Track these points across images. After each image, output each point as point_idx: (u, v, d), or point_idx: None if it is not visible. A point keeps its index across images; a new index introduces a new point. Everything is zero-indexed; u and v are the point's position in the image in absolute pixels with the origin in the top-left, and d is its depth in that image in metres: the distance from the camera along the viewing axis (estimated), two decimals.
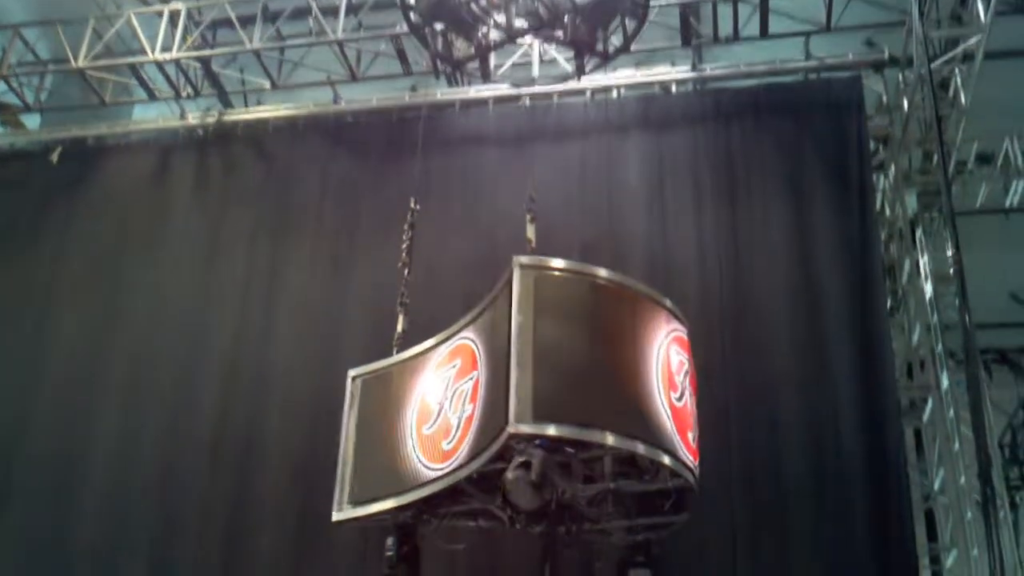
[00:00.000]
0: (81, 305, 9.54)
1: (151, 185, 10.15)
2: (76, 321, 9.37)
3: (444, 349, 5.81)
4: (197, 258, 9.47)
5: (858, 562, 7.72)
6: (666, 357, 5.41)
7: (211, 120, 10.51)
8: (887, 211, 10.27)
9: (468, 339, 5.51)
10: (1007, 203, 11.14)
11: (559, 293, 5.39)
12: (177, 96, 10.69)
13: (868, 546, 7.77)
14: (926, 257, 9.96)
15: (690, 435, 5.40)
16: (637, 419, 5.11)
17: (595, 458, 5.25)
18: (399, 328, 6.55)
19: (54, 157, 10.60)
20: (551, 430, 4.92)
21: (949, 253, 9.79)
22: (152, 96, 10.85)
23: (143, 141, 10.78)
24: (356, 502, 5.78)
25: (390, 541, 5.70)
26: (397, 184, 9.24)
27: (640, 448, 5.07)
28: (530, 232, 6.28)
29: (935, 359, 9.57)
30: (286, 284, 9.18)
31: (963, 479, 9.03)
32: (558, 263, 5.56)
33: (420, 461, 5.50)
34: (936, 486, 9.41)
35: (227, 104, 10.79)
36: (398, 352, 6.25)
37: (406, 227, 6.78)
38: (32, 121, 11.71)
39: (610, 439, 5.01)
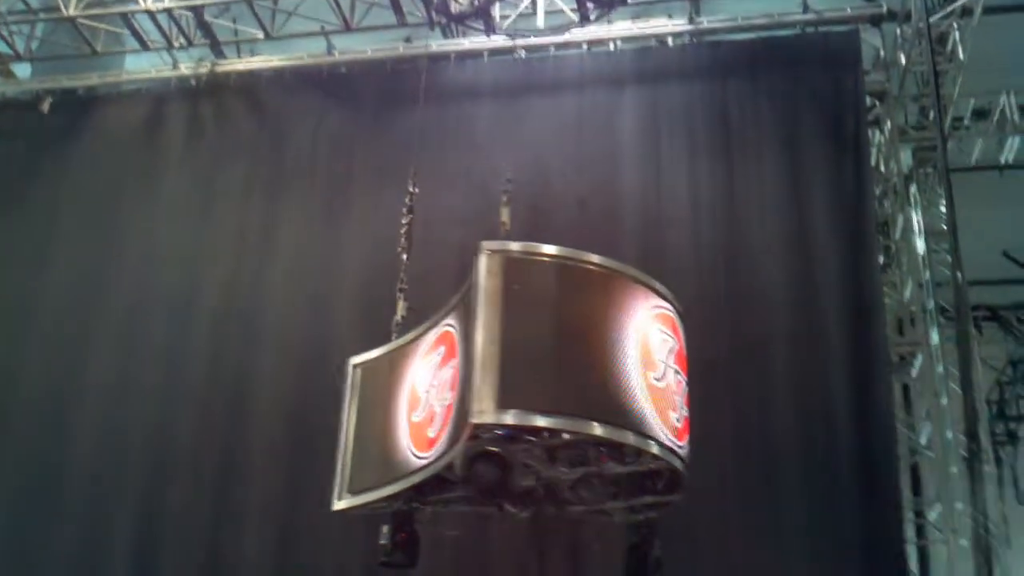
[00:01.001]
0: (74, 255, 9.53)
1: (143, 136, 10.10)
2: (69, 271, 9.37)
3: (431, 336, 5.74)
4: (190, 209, 9.46)
5: (844, 515, 7.84)
6: (644, 337, 5.27)
7: (204, 70, 10.44)
8: (881, 167, 10.26)
9: (450, 326, 5.42)
10: (1002, 159, 11.13)
11: (528, 278, 5.25)
12: (169, 46, 10.59)
13: (854, 499, 7.88)
14: (919, 213, 9.98)
15: (673, 415, 5.26)
16: (606, 403, 5.00)
17: (571, 444, 5.17)
18: (398, 314, 6.44)
19: (45, 107, 10.54)
20: (510, 419, 4.83)
21: (943, 209, 9.83)
22: (144, 46, 10.74)
23: (135, 91, 10.71)
24: (353, 491, 5.76)
25: (385, 528, 5.68)
26: (391, 135, 9.24)
27: (607, 432, 4.96)
28: (504, 215, 6.12)
29: (926, 315, 9.61)
30: (279, 235, 9.18)
31: (949, 434, 9.11)
32: (526, 247, 5.37)
33: (410, 449, 5.46)
34: (923, 441, 9.51)
35: (220, 54, 10.69)
36: (396, 338, 6.20)
37: (404, 211, 6.62)
38: (23, 71, 11.60)
39: (574, 425, 4.94)
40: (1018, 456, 12.41)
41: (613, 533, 6.24)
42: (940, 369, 9.36)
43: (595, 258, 5.42)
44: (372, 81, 10.08)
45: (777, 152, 9.12)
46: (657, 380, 5.22)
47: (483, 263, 5.17)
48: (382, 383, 5.89)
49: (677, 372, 5.45)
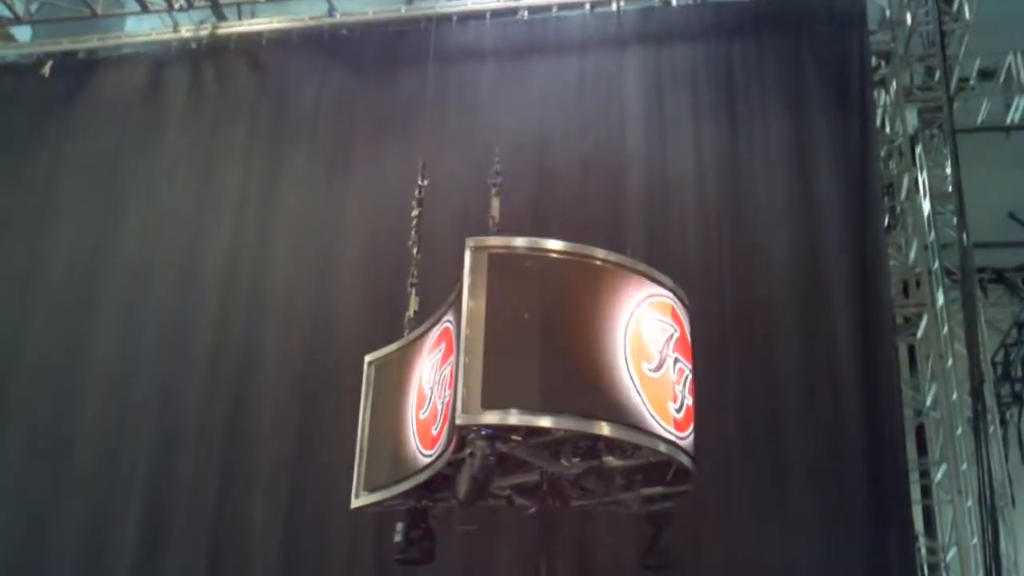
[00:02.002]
0: (76, 219, 9.50)
1: (145, 98, 10.05)
2: (72, 235, 9.34)
3: (435, 332, 5.64)
4: (192, 171, 9.42)
5: (850, 476, 7.86)
6: (637, 327, 5.12)
7: (204, 33, 10.36)
8: (887, 128, 10.20)
9: (449, 322, 5.32)
10: (1008, 120, 11.04)
11: (514, 272, 5.12)
12: (170, 8, 10.50)
13: (860, 460, 7.90)
14: (925, 174, 9.94)
15: (672, 406, 5.12)
16: (595, 397, 4.88)
17: (565, 440, 5.07)
18: (410, 310, 6.28)
19: (46, 70, 10.47)
20: (494, 419, 4.74)
21: (948, 171, 9.78)
22: (144, 8, 10.65)
23: (135, 54, 10.63)
24: (369, 488, 5.71)
25: (399, 526, 5.63)
26: (393, 97, 9.18)
27: (595, 428, 4.86)
28: (494, 207, 5.86)
29: (931, 277, 9.59)
30: (282, 197, 9.15)
31: (955, 395, 9.12)
32: (512, 241, 5.23)
33: (417, 447, 5.40)
34: (928, 402, 9.50)
35: (220, 16, 10.60)
36: (408, 333, 6.14)
37: (414, 203, 6.38)
38: (23, 34, 11.52)
39: (560, 422, 4.83)
40: (1023, 417, 12.43)
41: (626, 525, 6.18)
42: (945, 331, 9.35)
43: (585, 250, 5.27)
44: (374, 43, 10.00)
45: (781, 113, 9.07)
46: (652, 371, 5.09)
47: (467, 260, 5.04)
48: (394, 380, 5.83)
49: (678, 360, 5.33)
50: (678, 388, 5.24)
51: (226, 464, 8.22)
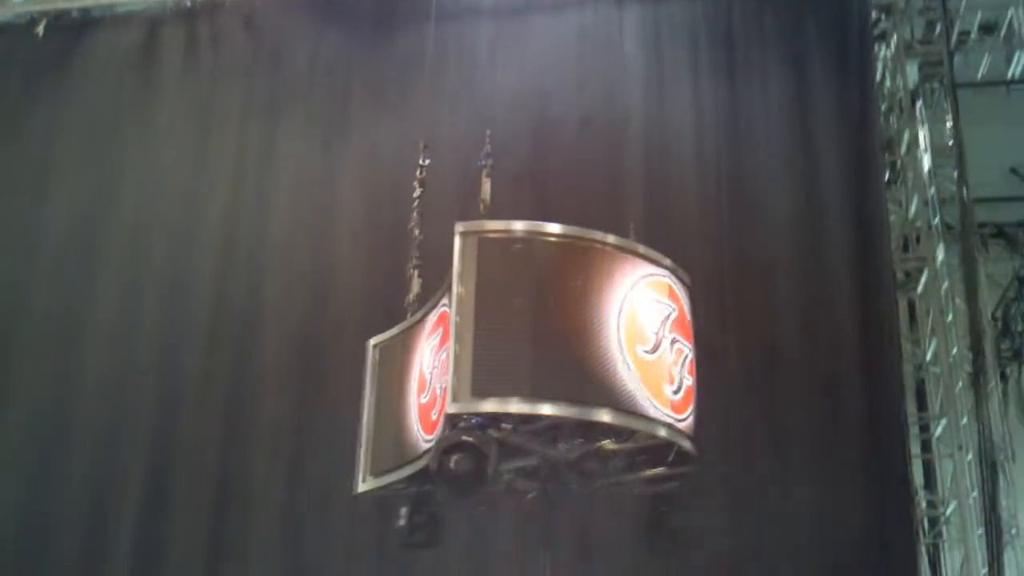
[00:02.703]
0: (74, 179, 9.46)
1: (140, 59, 9.96)
2: (70, 195, 9.31)
3: (433, 316, 5.59)
4: (188, 132, 9.37)
5: (849, 431, 7.89)
6: (632, 309, 5.04)
7: None
8: (887, 82, 10.13)
9: (446, 306, 5.25)
10: (1009, 74, 10.96)
11: (503, 257, 5.04)
12: None
13: (860, 415, 7.93)
14: (925, 129, 9.88)
15: (669, 388, 5.06)
16: (586, 382, 4.82)
17: (560, 425, 5.04)
18: (412, 292, 6.16)
19: (39, 30, 10.38)
20: (485, 407, 4.72)
21: (949, 125, 9.74)
22: None
23: (130, 13, 10.51)
24: (374, 473, 5.68)
25: (403, 511, 5.60)
26: (390, 56, 9.12)
27: (585, 413, 4.82)
28: (485, 190, 5.66)
29: (931, 232, 9.58)
30: (279, 158, 9.11)
31: (955, 350, 9.14)
32: (502, 225, 5.15)
33: (419, 432, 5.38)
34: (928, 357, 9.52)
35: None
36: (411, 316, 6.09)
37: (415, 184, 6.21)
38: None
39: (551, 408, 4.78)
40: (1023, 372, 12.44)
41: (631, 507, 6.15)
42: (945, 286, 9.36)
43: (577, 232, 5.18)
44: (370, 1, 9.90)
45: (781, 68, 9.02)
46: (648, 353, 5.02)
47: (457, 245, 4.97)
48: (397, 363, 5.78)
49: (676, 340, 5.24)
50: (676, 370, 5.17)
51: (228, 423, 8.25)
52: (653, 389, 4.97)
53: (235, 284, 8.67)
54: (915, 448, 9.24)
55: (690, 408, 5.21)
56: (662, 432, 4.96)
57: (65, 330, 8.80)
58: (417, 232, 6.22)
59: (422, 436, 5.28)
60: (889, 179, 9.83)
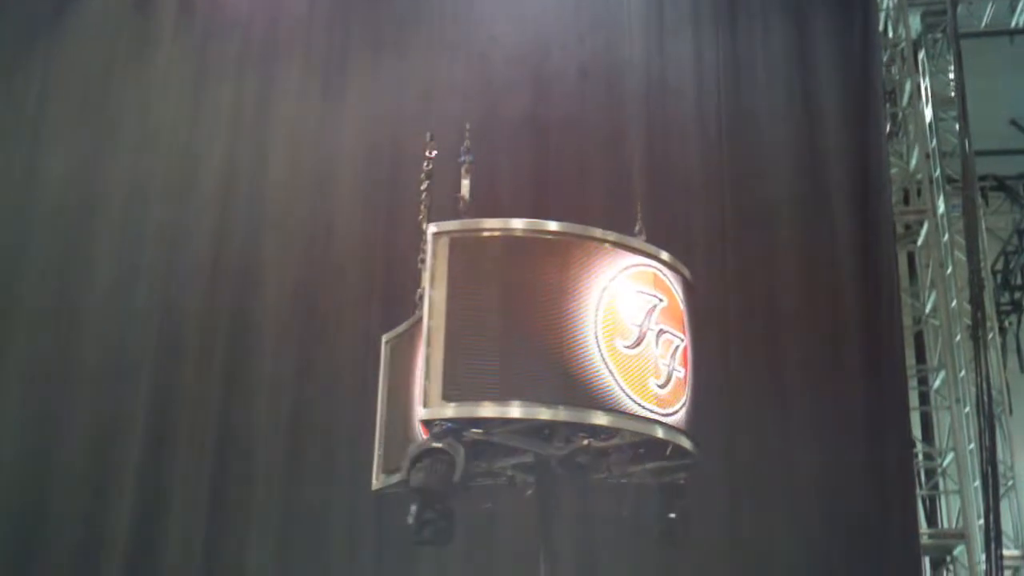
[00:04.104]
0: (71, 132, 9.36)
1: (134, 11, 9.84)
2: (66, 148, 9.21)
3: None
4: (185, 85, 9.26)
5: (849, 383, 7.90)
6: (611, 302, 4.82)
7: None
8: (889, 32, 10.06)
9: None
10: (1012, 24, 10.89)
11: (475, 257, 4.86)
12: None
13: (859, 366, 7.93)
14: (927, 80, 9.84)
15: (654, 382, 4.85)
16: (558, 382, 4.63)
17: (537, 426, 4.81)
18: (422, 286, 6.12)
19: None
20: (453, 411, 4.58)
21: (951, 76, 9.68)
22: None
23: None
24: (387, 470, 5.61)
25: (413, 508, 5.52)
26: (387, 6, 9.02)
27: (557, 414, 4.63)
28: (464, 187, 5.47)
29: (932, 184, 9.56)
30: (276, 111, 9.01)
31: (954, 303, 9.17)
32: (475, 224, 4.96)
33: (421, 431, 5.34)
34: (927, 309, 9.54)
35: None
36: (418, 311, 6.00)
37: (422, 176, 5.86)
38: None
39: (522, 411, 4.60)
40: (1022, 325, 12.48)
41: (635, 497, 6.11)
42: (945, 238, 9.37)
43: (551, 227, 4.95)
44: None
45: (782, 18, 8.89)
46: (629, 347, 4.80)
47: (429, 247, 4.80)
48: (405, 359, 5.66)
49: (664, 332, 5.00)
50: (663, 362, 4.94)
51: (229, 372, 8.23)
52: (634, 384, 4.76)
53: (234, 235, 8.62)
54: (913, 400, 9.31)
55: (681, 401, 4.99)
56: (643, 428, 4.77)
57: (64, 285, 8.77)
58: (425, 225, 6.09)
59: (423, 435, 5.22)
60: (890, 131, 9.78)
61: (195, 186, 8.75)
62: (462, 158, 5.52)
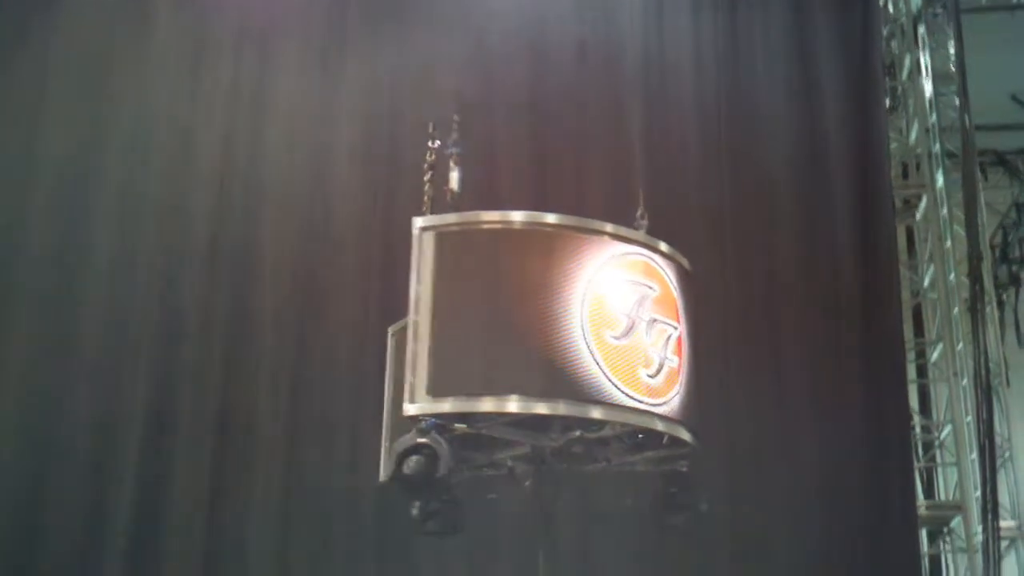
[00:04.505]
0: (69, 114, 9.34)
1: None
2: (64, 127, 9.19)
3: None
4: (182, 63, 9.23)
5: (847, 356, 7.95)
6: (598, 293, 4.80)
7: None
8: (889, 7, 10.03)
9: None
10: None
11: (460, 252, 4.88)
12: None
13: (857, 339, 7.98)
14: (928, 55, 9.81)
15: (644, 372, 4.82)
16: (545, 375, 4.65)
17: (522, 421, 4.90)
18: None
19: None
20: (443, 407, 4.64)
21: (951, 51, 9.66)
22: None
23: None
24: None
25: (417, 501, 5.52)
26: None
27: (543, 407, 4.67)
28: (453, 179, 5.34)
29: (931, 159, 9.56)
30: (274, 86, 8.99)
31: (952, 276, 9.19)
32: (459, 218, 4.94)
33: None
34: (925, 283, 9.57)
35: None
36: None
37: (425, 166, 5.66)
38: None
39: (509, 404, 4.64)
40: (1020, 299, 12.51)
41: (638, 485, 6.10)
42: (944, 212, 9.38)
43: (536, 218, 4.96)
44: None
45: None
46: (617, 338, 4.78)
47: (414, 242, 4.82)
48: (405, 351, 5.72)
49: (656, 321, 4.96)
50: (654, 351, 4.91)
51: (229, 353, 8.24)
52: (623, 375, 4.76)
53: (233, 213, 8.61)
54: (911, 373, 9.35)
55: (674, 390, 4.98)
56: (631, 418, 4.79)
57: (62, 263, 8.77)
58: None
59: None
60: (890, 106, 9.77)
61: (193, 165, 8.74)
62: (450, 149, 5.43)
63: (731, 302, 7.86)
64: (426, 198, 5.49)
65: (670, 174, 8.15)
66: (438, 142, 5.64)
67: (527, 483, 5.19)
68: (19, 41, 9.57)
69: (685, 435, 4.98)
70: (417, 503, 5.33)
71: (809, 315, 8.00)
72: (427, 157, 5.64)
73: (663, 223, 6.00)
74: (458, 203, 5.17)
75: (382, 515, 7.48)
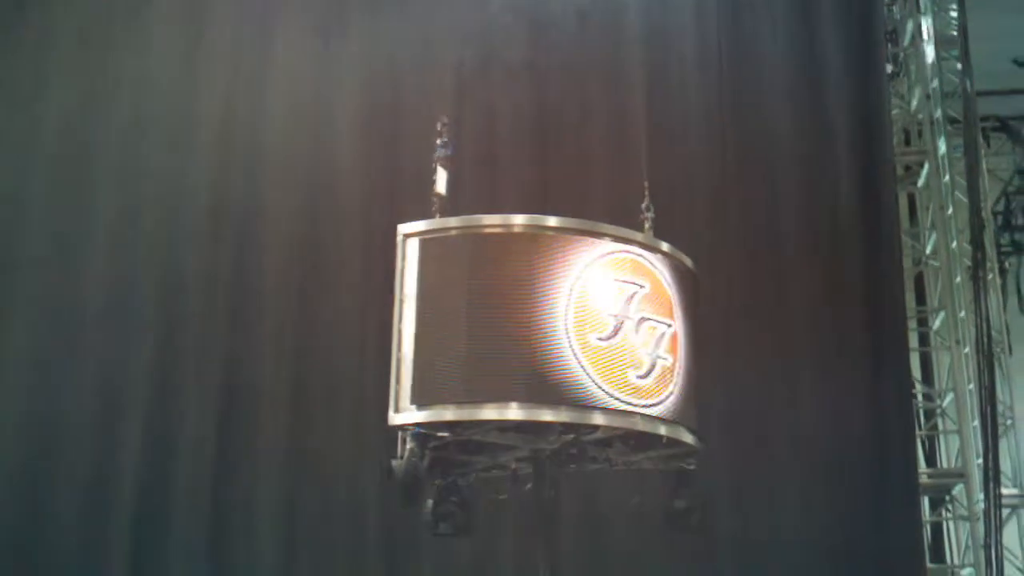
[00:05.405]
0: (69, 86, 9.31)
1: None
2: (65, 99, 9.16)
3: None
4: (183, 33, 9.17)
5: (849, 324, 7.93)
6: (582, 294, 4.69)
7: None
8: None
9: None
10: None
11: (444, 257, 4.77)
12: None
13: (859, 308, 7.96)
14: (930, 19, 9.73)
15: (633, 373, 4.72)
16: (528, 380, 4.55)
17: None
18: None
19: None
20: (426, 416, 4.56)
21: (953, 15, 9.59)
22: None
23: None
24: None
25: (429, 502, 5.48)
26: None
27: (524, 413, 4.56)
28: (439, 183, 5.17)
29: (933, 125, 9.51)
30: (275, 53, 8.92)
31: (955, 244, 9.16)
32: (443, 223, 4.85)
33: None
34: (927, 250, 9.54)
35: None
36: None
37: (434, 165, 5.37)
38: None
39: (491, 412, 4.55)
40: (1022, 266, 12.50)
41: (642, 485, 6.06)
42: (946, 179, 9.33)
43: (519, 221, 4.84)
44: None
45: None
46: (603, 339, 4.67)
47: (398, 249, 4.73)
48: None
49: (647, 320, 4.84)
50: (645, 352, 4.79)
51: (232, 322, 8.25)
52: (610, 377, 4.65)
53: (234, 179, 8.59)
54: (913, 341, 9.34)
55: (668, 390, 4.86)
56: (618, 421, 4.68)
57: (64, 235, 8.75)
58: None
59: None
60: (891, 71, 9.71)
61: (195, 131, 8.71)
62: (438, 152, 5.22)
63: (733, 267, 7.82)
64: (434, 197, 5.24)
65: (671, 141, 8.11)
66: (447, 138, 5.40)
67: (528, 486, 5.16)
68: (18, 12, 9.52)
69: (683, 436, 4.90)
70: (429, 504, 5.30)
71: (811, 283, 7.99)
72: (436, 155, 5.35)
73: (663, 191, 5.99)
74: (444, 207, 5.01)
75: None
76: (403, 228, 4.76)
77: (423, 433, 4.62)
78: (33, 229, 8.72)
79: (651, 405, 4.75)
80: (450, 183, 5.10)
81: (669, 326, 4.89)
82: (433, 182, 5.10)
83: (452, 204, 5.05)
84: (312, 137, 8.52)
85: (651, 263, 4.93)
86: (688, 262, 5.09)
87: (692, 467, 5.25)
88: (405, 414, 4.56)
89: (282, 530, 7.69)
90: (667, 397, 4.83)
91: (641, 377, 4.72)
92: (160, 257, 8.40)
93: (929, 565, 8.49)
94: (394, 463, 4.60)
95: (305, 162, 8.47)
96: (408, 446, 4.58)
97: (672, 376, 4.86)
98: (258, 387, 7.99)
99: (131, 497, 7.75)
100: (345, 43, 8.76)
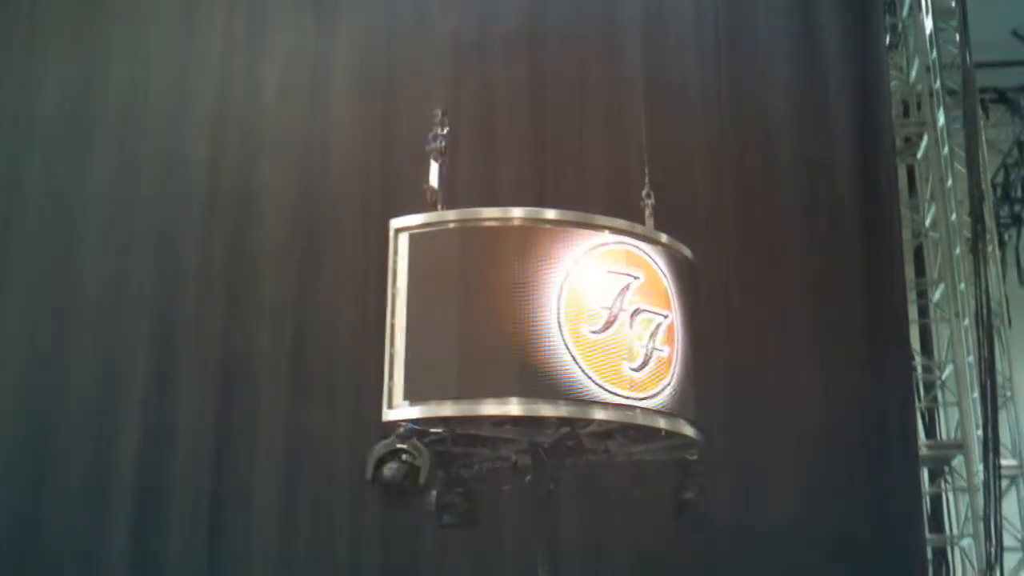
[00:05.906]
0: (62, 64, 9.26)
1: None
2: (59, 79, 9.12)
3: None
4: (177, 9, 9.13)
5: (848, 296, 7.95)
6: (574, 287, 4.65)
7: None
8: None
9: None
10: None
11: (435, 252, 4.74)
12: None
13: (858, 280, 7.97)
14: None
15: (627, 365, 4.67)
16: (520, 375, 4.53)
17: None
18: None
19: None
20: (420, 412, 4.54)
21: None
22: None
23: None
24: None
25: (433, 495, 5.46)
26: None
27: (519, 408, 4.55)
28: (432, 175, 5.06)
29: (932, 96, 9.47)
30: (270, 29, 8.88)
31: (954, 216, 9.13)
32: (435, 217, 4.81)
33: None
34: (927, 222, 9.52)
35: None
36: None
37: (435, 155, 5.18)
38: None
39: (485, 408, 4.54)
40: (1022, 238, 12.48)
41: (644, 475, 6.04)
42: (945, 151, 9.29)
43: (510, 213, 4.82)
44: None
45: None
46: (596, 332, 4.64)
47: (391, 243, 4.71)
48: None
49: (641, 311, 4.79)
50: (639, 344, 4.74)
51: (230, 301, 8.24)
52: (603, 370, 4.62)
53: (230, 162, 8.56)
54: (912, 313, 9.33)
55: (664, 381, 4.81)
56: (612, 414, 4.64)
57: (60, 215, 8.73)
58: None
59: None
60: (890, 43, 9.67)
61: (190, 109, 8.68)
62: (431, 144, 5.12)
63: (731, 243, 7.83)
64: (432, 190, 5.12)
65: (669, 114, 8.07)
66: (447, 128, 5.28)
67: (528, 477, 5.14)
68: None
69: (683, 429, 4.84)
70: (433, 495, 5.28)
71: (809, 255, 7.99)
72: (436, 144, 5.22)
73: (661, 167, 5.98)
74: (436, 200, 4.95)
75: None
76: (395, 223, 4.73)
77: (417, 429, 4.60)
78: (28, 213, 8.70)
79: (646, 398, 4.72)
80: (443, 174, 5.03)
81: (665, 317, 4.85)
82: (426, 174, 5.01)
83: (447, 193, 5.00)
84: (307, 113, 8.50)
85: (645, 253, 4.88)
86: (686, 251, 5.06)
87: (695, 457, 5.25)
88: (399, 410, 4.55)
89: (281, 517, 7.69)
90: (663, 389, 4.79)
91: (635, 370, 4.69)
92: (157, 242, 8.38)
93: (928, 536, 8.50)
94: (386, 470, 4.55)
95: (301, 139, 8.44)
96: (403, 457, 4.52)
97: (669, 367, 4.83)
98: (256, 371, 7.98)
99: (130, 485, 7.77)
100: (340, 15, 8.73)
